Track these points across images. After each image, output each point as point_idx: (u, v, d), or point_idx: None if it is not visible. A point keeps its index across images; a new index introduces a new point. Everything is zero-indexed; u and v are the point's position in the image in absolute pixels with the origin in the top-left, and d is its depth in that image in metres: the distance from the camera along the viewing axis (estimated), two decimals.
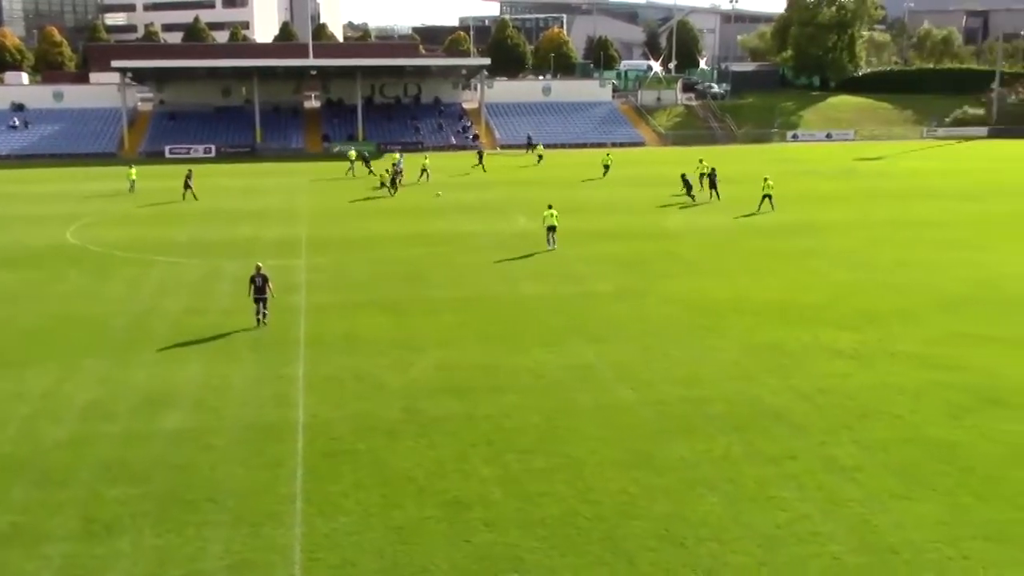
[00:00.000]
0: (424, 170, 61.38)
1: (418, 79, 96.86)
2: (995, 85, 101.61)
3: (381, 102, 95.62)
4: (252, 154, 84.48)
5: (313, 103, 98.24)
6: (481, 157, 70.14)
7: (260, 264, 28.48)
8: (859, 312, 29.07)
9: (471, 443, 19.26)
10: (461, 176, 65.64)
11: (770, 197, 48.10)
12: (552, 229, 38.81)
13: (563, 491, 17.14)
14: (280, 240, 41.83)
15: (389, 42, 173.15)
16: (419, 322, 28.25)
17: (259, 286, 27.35)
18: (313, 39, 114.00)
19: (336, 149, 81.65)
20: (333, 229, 44.47)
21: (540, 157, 72.59)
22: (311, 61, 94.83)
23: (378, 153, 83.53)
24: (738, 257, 37.72)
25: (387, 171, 56.69)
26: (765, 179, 48.98)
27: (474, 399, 21.69)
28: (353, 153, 68.19)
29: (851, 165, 71.04)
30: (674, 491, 17.13)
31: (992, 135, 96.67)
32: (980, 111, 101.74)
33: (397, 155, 66.08)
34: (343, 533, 15.70)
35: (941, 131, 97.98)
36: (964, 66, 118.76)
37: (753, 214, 47.40)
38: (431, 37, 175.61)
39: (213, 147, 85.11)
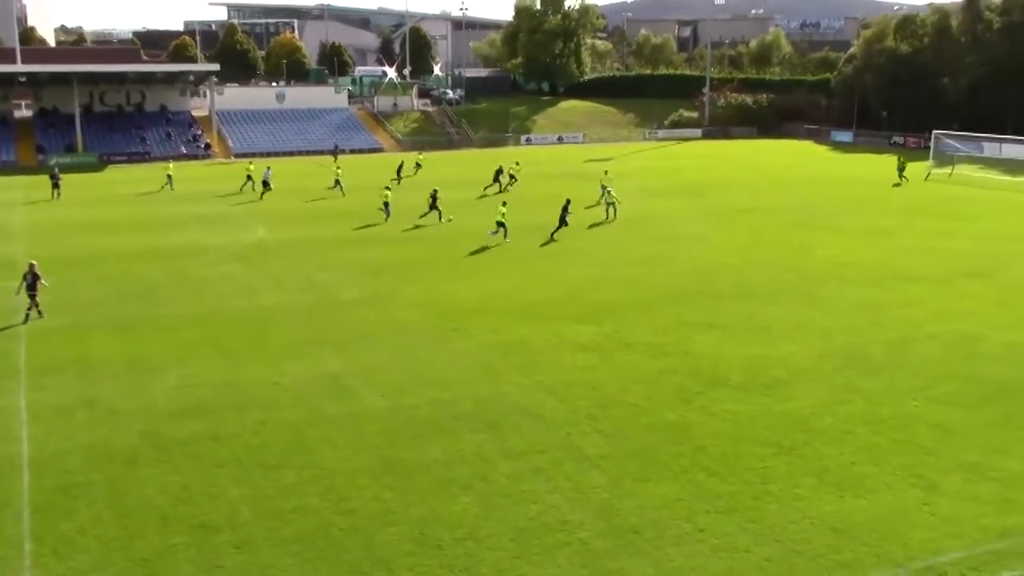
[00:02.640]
0: (338, 181, 57.82)
1: (142, 86, 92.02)
2: (706, 89, 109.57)
3: (102, 110, 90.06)
4: None
5: (24, 112, 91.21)
6: (409, 167, 67.14)
7: (34, 262, 29.01)
8: (597, 306, 30.43)
9: (217, 464, 18.51)
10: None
11: (613, 206, 47.57)
12: (501, 224, 41.26)
13: (316, 504, 16.82)
14: None
15: (107, 47, 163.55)
16: (155, 341, 26.81)
17: (30, 283, 28.46)
18: (21, 43, 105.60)
19: (54, 162, 75.94)
20: (54, 247, 41.32)
21: (418, 165, 69.20)
22: (19, 67, 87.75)
23: (100, 165, 78.66)
24: (479, 259, 38.49)
25: (387, 193, 48.86)
26: (609, 191, 48.76)
27: (218, 418, 20.87)
28: (252, 166, 62.52)
29: (582, 167, 74.25)
30: (429, 493, 17.23)
31: (705, 136, 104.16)
32: (694, 114, 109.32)
33: (263, 166, 62.01)
34: (80, 572, 14.65)
35: (661, 133, 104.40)
36: (679, 72, 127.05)
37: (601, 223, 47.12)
38: (154, 42, 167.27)
39: None
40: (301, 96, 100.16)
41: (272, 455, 18.90)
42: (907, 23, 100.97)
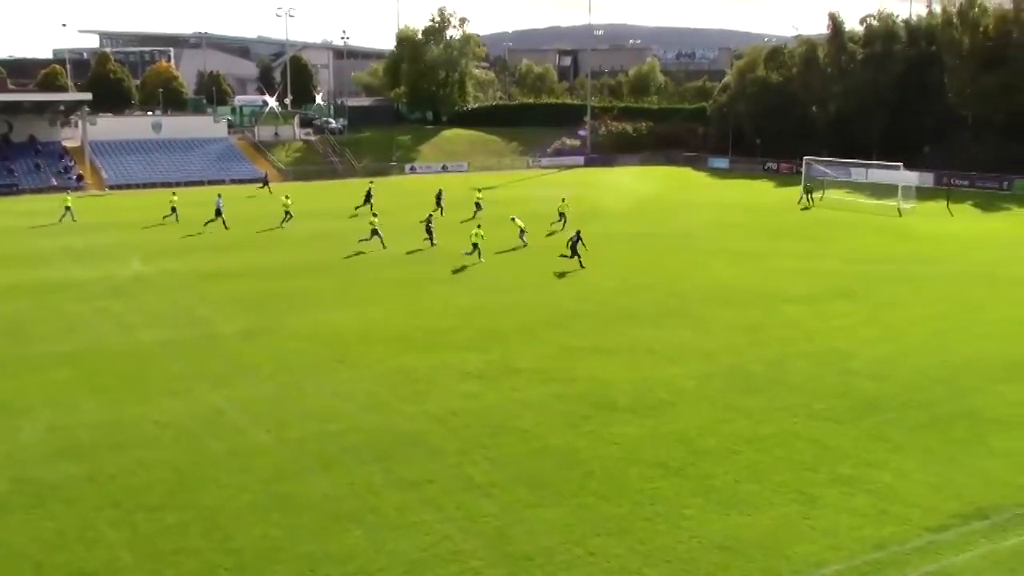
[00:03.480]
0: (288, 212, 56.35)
1: (8, 116, 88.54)
2: (587, 118, 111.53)
3: None
4: None
5: None
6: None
7: None
8: (483, 333, 30.47)
9: (95, 507, 17.76)
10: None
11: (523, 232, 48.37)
12: (475, 246, 43.30)
13: (200, 545, 16.30)
14: None
15: None
16: (25, 381, 25.65)
17: None
18: None
19: None
20: None
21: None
22: None
23: None
24: (365, 288, 38.14)
25: (374, 220, 49.00)
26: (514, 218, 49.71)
27: (95, 459, 20.05)
28: (175, 196, 60.17)
29: (468, 194, 74.39)
30: (318, 529, 16.89)
31: (588, 164, 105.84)
32: (577, 142, 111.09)
33: (213, 194, 59.98)
34: None
35: (545, 161, 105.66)
36: (560, 101, 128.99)
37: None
38: (21, 71, 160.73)
39: None
40: (178, 126, 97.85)
41: (152, 496, 18.25)
42: (777, 54, 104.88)
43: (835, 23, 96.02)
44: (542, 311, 33.65)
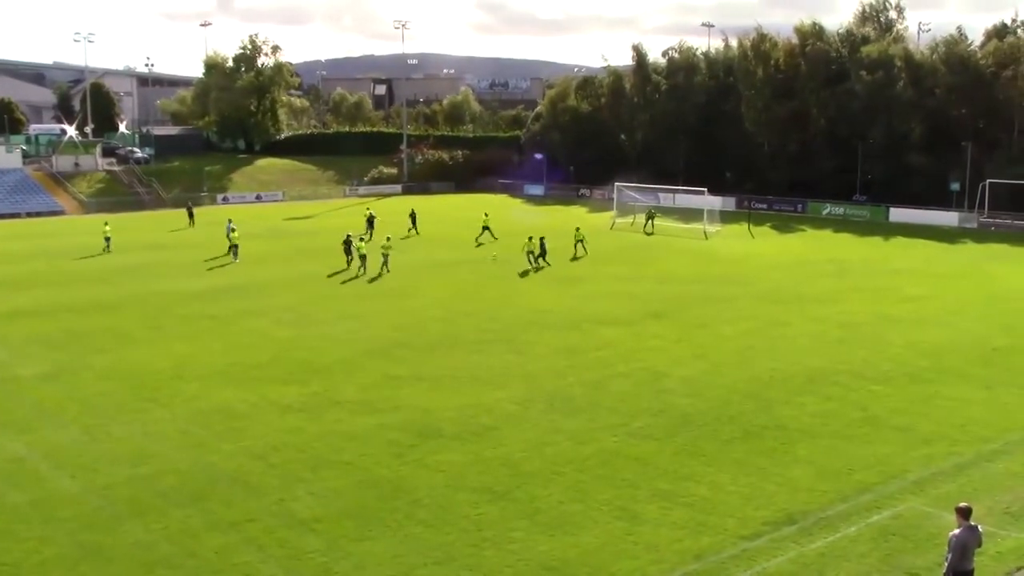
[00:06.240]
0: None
1: None
2: (403, 146, 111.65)
3: None
4: None
5: None
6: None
7: None
8: (304, 366, 29.82)
9: None
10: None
11: (582, 242, 55.39)
12: (533, 252, 50.26)
13: None
14: None
15: None
16: None
17: None
18: None
19: None
20: None
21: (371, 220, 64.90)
22: None
23: None
24: (176, 324, 36.65)
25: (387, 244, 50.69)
26: (577, 229, 55.18)
27: None
28: (108, 226, 58.86)
29: (281, 225, 73.01)
30: None
31: (406, 191, 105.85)
32: (394, 170, 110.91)
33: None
34: None
35: (362, 189, 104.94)
36: (376, 129, 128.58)
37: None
38: None
39: None
40: None
41: None
42: (587, 84, 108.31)
43: (639, 55, 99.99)
44: (363, 342, 33.26)
